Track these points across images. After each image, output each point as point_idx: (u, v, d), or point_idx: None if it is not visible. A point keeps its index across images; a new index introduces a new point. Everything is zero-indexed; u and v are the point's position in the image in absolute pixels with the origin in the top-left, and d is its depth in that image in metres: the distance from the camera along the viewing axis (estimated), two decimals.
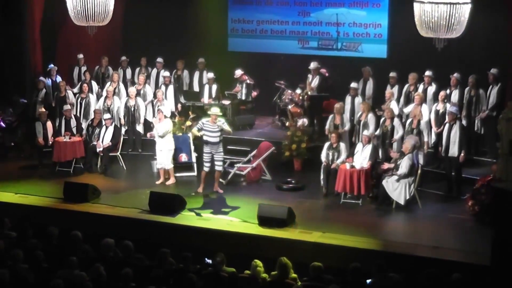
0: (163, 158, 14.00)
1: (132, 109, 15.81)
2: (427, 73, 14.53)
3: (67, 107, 15.58)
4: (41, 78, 16.68)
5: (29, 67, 17.28)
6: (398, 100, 14.68)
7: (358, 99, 14.91)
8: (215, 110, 13.18)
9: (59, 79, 16.84)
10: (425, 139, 13.25)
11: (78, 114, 15.85)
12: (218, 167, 13.28)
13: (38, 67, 17.41)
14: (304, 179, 14.03)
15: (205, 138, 13.12)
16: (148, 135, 15.14)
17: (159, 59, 17.43)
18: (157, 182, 14.01)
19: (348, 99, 14.99)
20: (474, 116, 14.18)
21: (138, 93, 16.14)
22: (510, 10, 14.03)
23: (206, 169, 13.29)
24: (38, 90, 16.38)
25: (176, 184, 14.11)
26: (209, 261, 9.71)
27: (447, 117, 13.02)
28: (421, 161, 12.99)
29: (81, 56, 17.61)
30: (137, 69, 17.66)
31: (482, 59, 15.11)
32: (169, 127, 14.14)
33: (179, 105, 16.64)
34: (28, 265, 8.65)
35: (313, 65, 15.79)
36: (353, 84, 15.11)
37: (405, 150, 12.45)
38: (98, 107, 15.88)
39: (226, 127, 13.20)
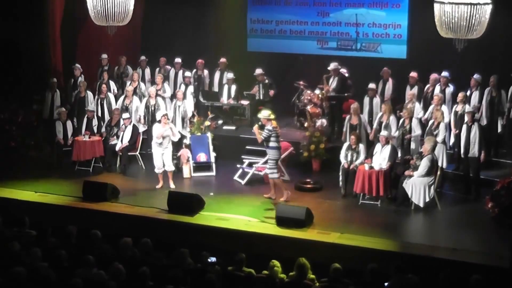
0: (166, 160, 13.71)
1: (152, 108, 15.76)
2: (443, 74, 14.43)
3: (91, 107, 15.69)
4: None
5: (49, 66, 17.35)
6: (419, 101, 14.59)
7: (376, 100, 14.87)
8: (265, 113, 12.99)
9: (81, 79, 16.81)
10: (440, 138, 13.01)
11: (99, 114, 15.90)
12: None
13: (58, 67, 17.44)
14: (323, 180, 14.00)
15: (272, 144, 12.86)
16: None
17: (177, 59, 17.45)
18: (158, 187, 13.69)
19: (366, 100, 14.95)
20: (495, 117, 14.06)
21: (157, 93, 16.16)
22: None
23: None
24: (53, 90, 16.31)
25: (194, 183, 14.15)
26: (213, 259, 9.64)
27: (466, 117, 12.93)
28: (441, 162, 12.89)
29: (104, 56, 17.55)
30: (157, 69, 17.71)
31: (503, 59, 14.98)
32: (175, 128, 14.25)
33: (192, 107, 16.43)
34: (48, 263, 8.70)
35: (332, 65, 15.74)
36: (371, 85, 15.04)
37: (424, 151, 12.39)
38: (117, 106, 15.94)
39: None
